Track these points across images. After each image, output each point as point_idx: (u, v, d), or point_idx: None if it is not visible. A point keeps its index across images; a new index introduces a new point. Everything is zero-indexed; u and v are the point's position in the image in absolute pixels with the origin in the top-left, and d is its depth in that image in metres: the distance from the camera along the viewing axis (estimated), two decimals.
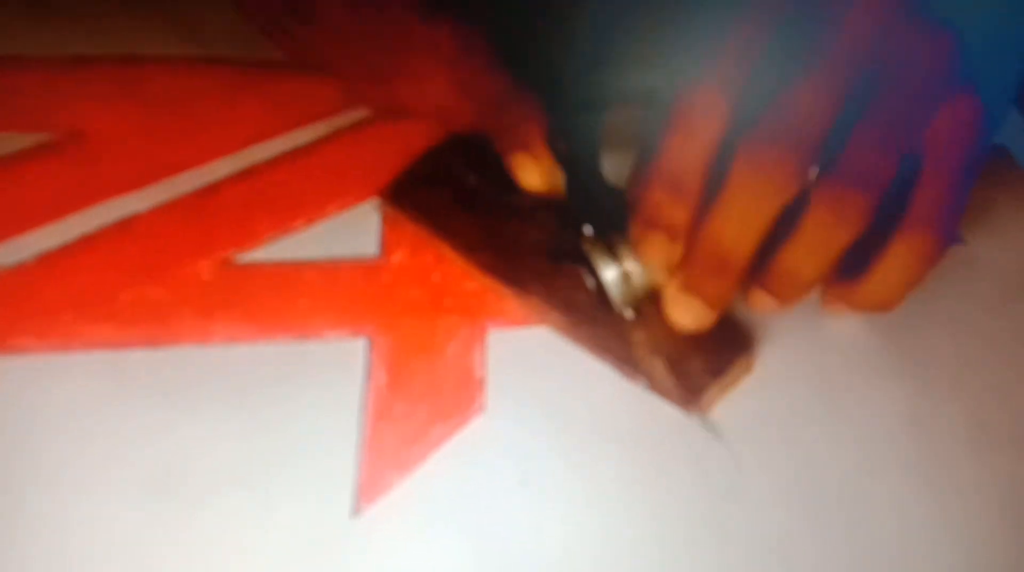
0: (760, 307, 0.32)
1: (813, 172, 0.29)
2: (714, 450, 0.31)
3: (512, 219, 0.36)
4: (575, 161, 0.36)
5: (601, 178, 0.36)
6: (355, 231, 0.36)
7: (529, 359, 0.33)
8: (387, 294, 0.34)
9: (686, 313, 0.32)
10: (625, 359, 0.32)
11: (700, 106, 0.29)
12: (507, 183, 0.36)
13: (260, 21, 0.39)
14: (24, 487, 0.29)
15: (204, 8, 0.43)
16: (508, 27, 0.38)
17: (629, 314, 0.33)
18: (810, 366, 0.33)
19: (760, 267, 0.31)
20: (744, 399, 0.32)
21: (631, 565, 0.29)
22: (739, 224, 0.29)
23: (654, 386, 0.32)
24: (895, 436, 0.32)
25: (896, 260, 0.30)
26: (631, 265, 0.32)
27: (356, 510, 0.29)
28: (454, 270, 0.35)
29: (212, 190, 0.37)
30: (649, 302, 0.33)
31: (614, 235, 0.32)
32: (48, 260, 0.34)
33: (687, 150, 0.30)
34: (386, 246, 0.36)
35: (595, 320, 0.33)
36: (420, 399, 0.32)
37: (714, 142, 0.30)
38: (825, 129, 0.29)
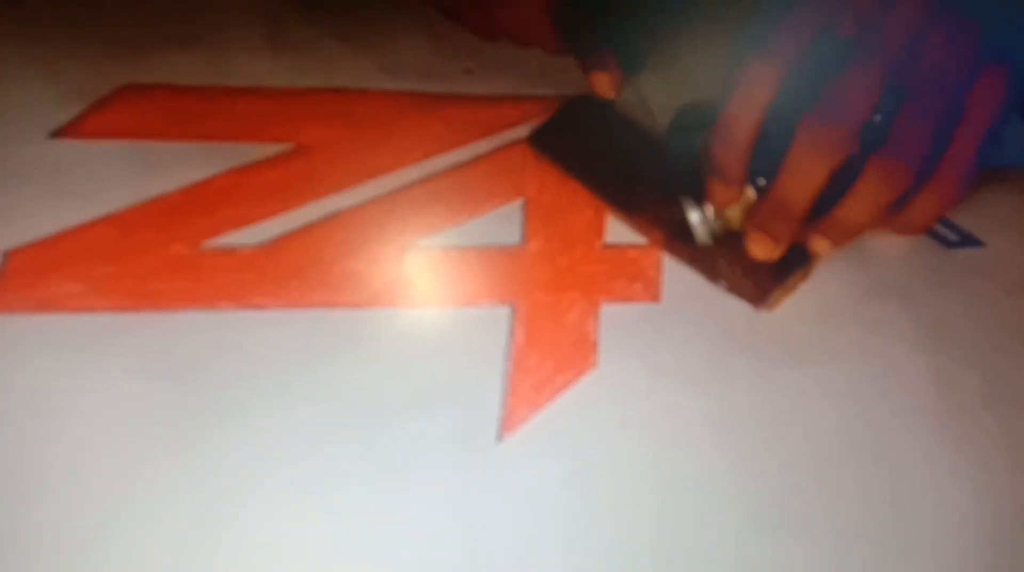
0: (818, 249, 0.37)
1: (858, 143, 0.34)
2: (768, 403, 0.36)
3: (631, 159, 0.41)
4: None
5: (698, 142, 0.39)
6: (504, 224, 0.41)
7: (632, 328, 0.38)
8: (526, 273, 0.39)
9: (759, 247, 0.37)
10: (711, 266, 0.39)
11: (755, 79, 0.34)
12: (627, 131, 0.42)
13: None
14: (252, 401, 0.35)
15: (400, 50, 0.48)
16: None
17: (708, 243, 0.38)
18: (855, 344, 0.38)
19: (819, 219, 0.36)
20: (796, 366, 0.37)
21: (705, 494, 0.33)
22: (800, 179, 0.34)
23: (732, 287, 0.38)
24: (923, 394, 0.36)
25: (931, 197, 0.35)
26: (709, 210, 0.38)
27: (500, 437, 0.34)
28: (576, 256, 0.40)
29: (402, 191, 0.42)
30: (727, 236, 0.38)
31: (703, 187, 0.38)
32: (281, 241, 0.40)
33: (741, 114, 0.35)
34: (527, 237, 0.41)
35: (689, 239, 0.39)
36: (548, 354, 0.37)
37: (762, 109, 0.34)
38: (868, 108, 0.33)
